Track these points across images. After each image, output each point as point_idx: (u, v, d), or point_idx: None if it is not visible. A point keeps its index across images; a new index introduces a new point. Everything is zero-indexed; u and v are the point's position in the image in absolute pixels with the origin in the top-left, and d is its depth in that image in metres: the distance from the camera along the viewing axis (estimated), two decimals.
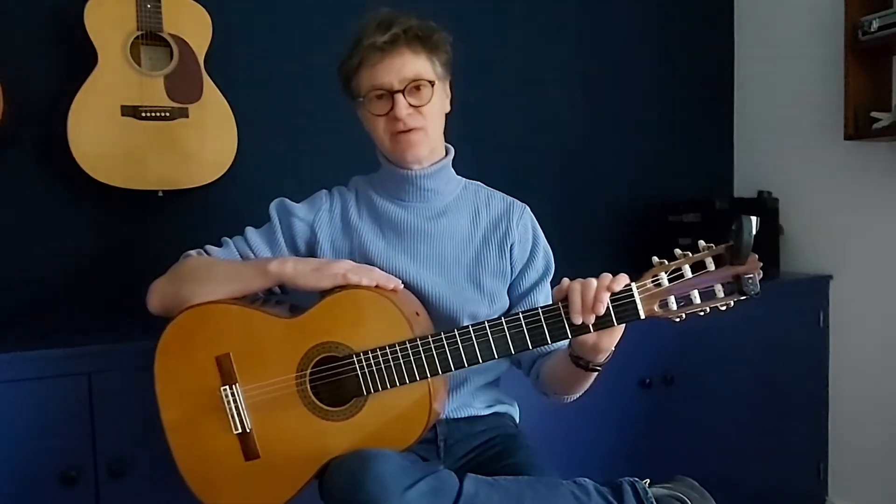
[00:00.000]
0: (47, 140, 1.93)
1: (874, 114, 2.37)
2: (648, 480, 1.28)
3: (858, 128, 2.40)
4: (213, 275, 1.36)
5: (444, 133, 1.51)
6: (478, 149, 2.35)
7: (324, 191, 1.54)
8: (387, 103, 1.39)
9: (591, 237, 2.76)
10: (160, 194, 1.97)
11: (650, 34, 2.84)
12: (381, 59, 1.37)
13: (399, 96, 1.37)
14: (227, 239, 1.48)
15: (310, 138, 2.29)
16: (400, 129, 1.40)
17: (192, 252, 1.45)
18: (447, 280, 1.46)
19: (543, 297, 1.53)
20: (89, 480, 1.65)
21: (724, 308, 1.20)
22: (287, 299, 1.44)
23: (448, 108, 1.49)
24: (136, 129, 1.90)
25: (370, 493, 1.11)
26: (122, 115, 1.89)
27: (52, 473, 1.62)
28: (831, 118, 2.54)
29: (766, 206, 2.64)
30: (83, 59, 1.88)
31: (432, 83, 1.41)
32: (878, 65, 2.42)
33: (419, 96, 1.40)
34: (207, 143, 1.99)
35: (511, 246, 1.51)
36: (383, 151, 1.47)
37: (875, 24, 2.28)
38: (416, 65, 1.39)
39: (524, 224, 1.54)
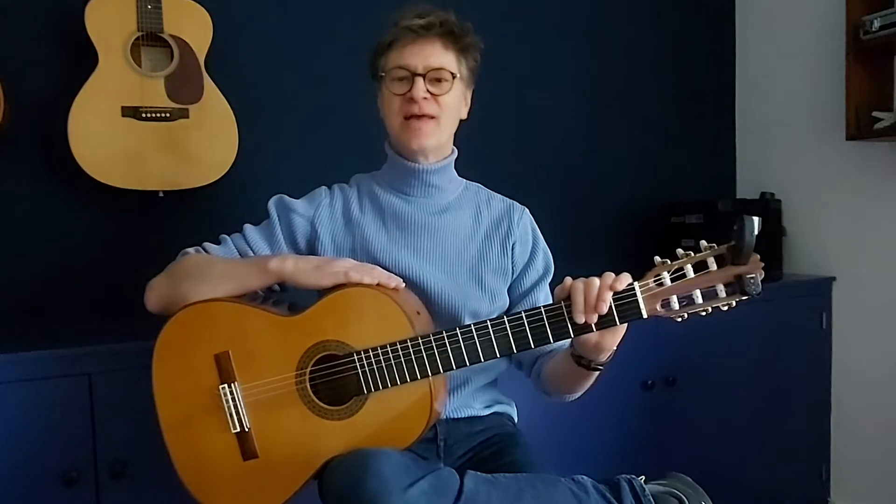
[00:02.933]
0: (48, 140, 1.93)
1: (876, 114, 2.37)
2: (643, 477, 1.28)
3: (860, 128, 2.39)
4: (211, 272, 1.35)
5: (455, 136, 1.52)
6: (480, 150, 2.34)
7: (323, 187, 1.54)
8: (406, 85, 1.41)
9: (593, 238, 2.76)
10: (161, 195, 1.96)
11: (652, 35, 2.84)
12: (412, 42, 1.41)
13: (419, 79, 1.40)
14: (226, 236, 1.47)
15: (310, 139, 2.29)
16: (413, 112, 1.41)
17: (191, 249, 1.44)
18: (449, 276, 1.46)
19: (543, 296, 1.53)
20: (90, 481, 1.65)
21: (725, 308, 1.20)
22: (286, 297, 1.43)
23: (464, 116, 1.52)
24: (137, 129, 1.90)
25: (371, 491, 1.10)
26: (123, 115, 1.88)
27: (52, 474, 1.62)
28: (833, 118, 2.54)
29: (768, 207, 2.64)
30: (84, 59, 1.88)
31: (454, 76, 1.43)
32: (879, 64, 2.42)
33: (439, 86, 1.42)
34: (208, 143, 1.98)
35: (513, 245, 1.52)
36: (392, 136, 1.48)
37: (876, 24, 2.28)
38: (443, 57, 1.42)
39: (524, 224, 1.55)
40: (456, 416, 1.47)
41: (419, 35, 1.40)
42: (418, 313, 1.33)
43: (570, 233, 2.62)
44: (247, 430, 1.28)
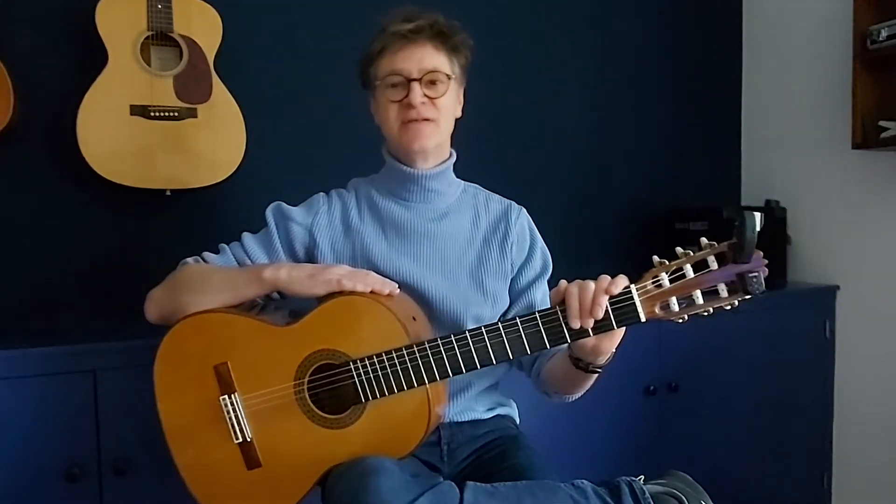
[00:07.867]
0: (57, 138, 1.94)
1: (882, 123, 2.37)
2: (643, 477, 1.27)
3: (866, 137, 2.39)
4: (208, 284, 1.36)
5: (452, 138, 1.52)
6: (487, 155, 2.36)
7: (321, 194, 1.53)
8: (402, 91, 1.41)
9: (598, 244, 2.76)
10: (168, 193, 1.97)
11: (658, 40, 2.84)
12: (403, 47, 1.40)
13: (415, 84, 1.39)
14: (225, 245, 1.48)
15: (318, 139, 2.30)
16: (412, 118, 1.41)
17: (189, 259, 1.45)
18: (450, 282, 1.46)
19: (541, 295, 1.53)
20: (93, 478, 1.66)
21: (728, 308, 1.16)
22: (286, 305, 1.43)
23: (459, 114, 1.51)
24: (145, 128, 1.91)
25: None
26: (132, 114, 1.90)
27: (56, 470, 1.63)
28: (839, 127, 2.53)
29: (773, 214, 2.63)
30: (93, 58, 1.89)
31: (449, 77, 1.43)
32: (886, 74, 2.41)
33: (435, 89, 1.42)
34: (216, 143, 2.00)
35: (511, 245, 1.52)
36: (390, 141, 1.47)
37: (884, 33, 2.28)
38: (435, 59, 1.42)
39: (521, 224, 1.55)
40: (459, 420, 1.48)
41: (409, 40, 1.39)
42: (414, 319, 1.32)
43: (573, 238, 2.62)
44: (249, 440, 1.29)
